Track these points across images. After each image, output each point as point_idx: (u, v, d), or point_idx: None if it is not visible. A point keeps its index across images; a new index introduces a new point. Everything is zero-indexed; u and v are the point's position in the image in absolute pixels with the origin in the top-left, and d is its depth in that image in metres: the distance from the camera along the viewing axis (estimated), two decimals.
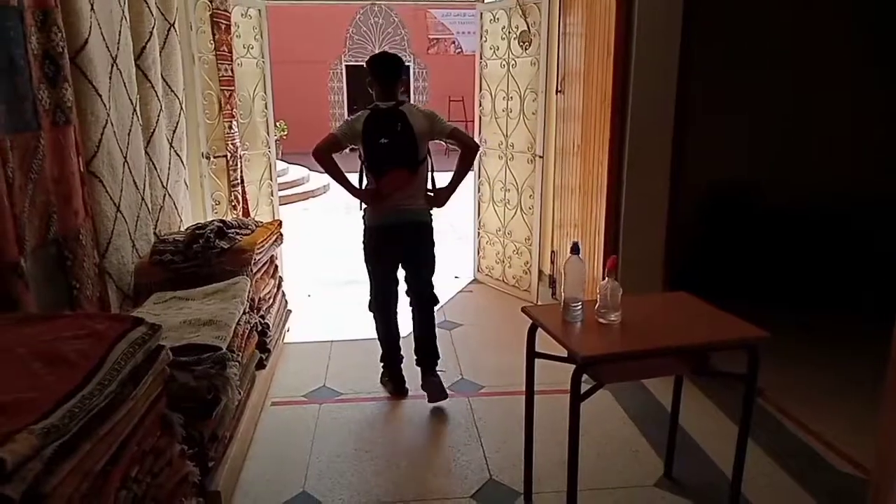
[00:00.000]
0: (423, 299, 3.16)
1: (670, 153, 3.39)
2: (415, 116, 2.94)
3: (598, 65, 3.56)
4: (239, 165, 4.40)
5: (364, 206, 3.08)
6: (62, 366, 1.54)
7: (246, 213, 4.47)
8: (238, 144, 4.38)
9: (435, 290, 3.19)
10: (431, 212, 3.11)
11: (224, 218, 3.69)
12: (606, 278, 2.05)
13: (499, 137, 4.66)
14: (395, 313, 3.25)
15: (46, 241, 2.31)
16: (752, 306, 2.37)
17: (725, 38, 4.03)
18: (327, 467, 2.54)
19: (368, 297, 3.23)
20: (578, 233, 4.03)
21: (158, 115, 3.41)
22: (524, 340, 2.26)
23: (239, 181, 4.42)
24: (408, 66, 15.99)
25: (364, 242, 3.14)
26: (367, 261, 3.16)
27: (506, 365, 3.48)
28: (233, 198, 4.37)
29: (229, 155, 4.31)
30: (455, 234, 7.19)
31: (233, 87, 4.31)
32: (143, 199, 3.16)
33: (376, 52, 3.33)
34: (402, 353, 3.28)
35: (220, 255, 3.07)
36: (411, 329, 3.22)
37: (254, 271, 3.18)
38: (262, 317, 3.20)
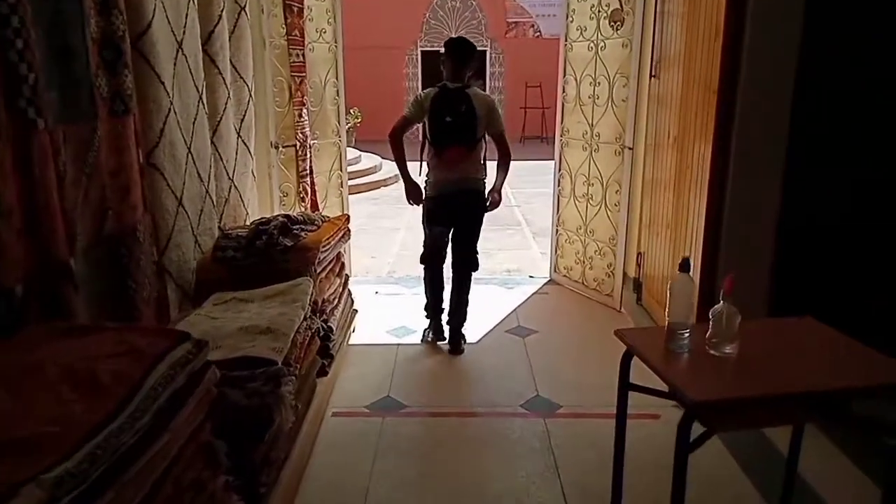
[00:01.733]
0: (464, 262, 3.52)
1: (785, 149, 2.94)
2: (478, 101, 3.30)
3: (701, 48, 3.13)
4: (308, 155, 4.24)
5: (427, 174, 3.50)
6: (93, 391, 1.36)
7: (314, 205, 4.31)
8: (308, 133, 4.22)
9: (478, 256, 3.57)
10: (484, 180, 3.43)
11: (290, 212, 3.52)
12: (721, 301, 1.70)
13: (583, 127, 4.29)
14: (442, 268, 3.64)
15: (100, 238, 2.17)
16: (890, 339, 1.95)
17: (859, 25, 3.37)
18: (388, 497, 2.31)
19: (422, 251, 3.66)
20: (670, 234, 3.63)
21: (226, 103, 3.27)
22: (608, 352, 1.99)
23: (308, 172, 4.26)
24: (483, 52, 15.62)
25: (424, 206, 3.52)
26: (424, 221, 3.57)
27: (587, 381, 3.15)
28: (301, 189, 4.23)
29: (299, 144, 4.15)
30: (530, 228, 6.85)
31: (304, 74, 4.14)
32: (207, 191, 3.03)
33: (452, 36, 3.68)
34: (444, 304, 3.67)
35: (284, 253, 2.90)
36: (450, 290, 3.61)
37: (318, 270, 2.99)
38: (326, 320, 3.01)
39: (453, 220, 3.47)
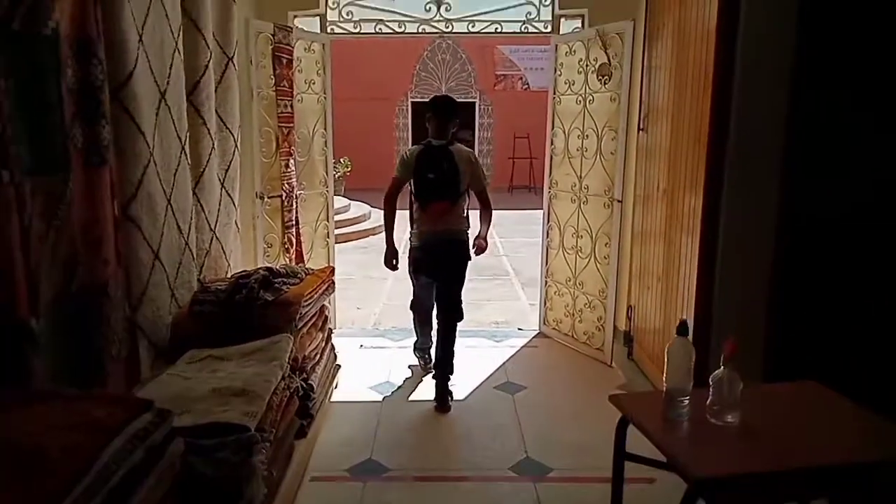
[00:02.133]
0: (449, 311, 3.58)
1: (777, 198, 2.90)
2: (460, 157, 3.47)
3: (689, 100, 3.14)
4: (294, 206, 4.18)
5: (412, 226, 3.62)
6: (38, 470, 1.23)
7: (299, 256, 4.22)
8: (295, 184, 4.16)
9: (462, 306, 3.66)
10: (468, 230, 3.58)
11: (272, 265, 3.43)
12: (722, 366, 1.61)
13: (571, 179, 4.27)
14: (431, 316, 3.76)
15: (68, 294, 2.06)
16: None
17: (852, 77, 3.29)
18: None
19: (411, 299, 3.88)
20: (661, 286, 3.56)
21: (210, 154, 3.21)
22: (600, 411, 1.89)
23: (294, 223, 4.19)
24: (472, 103, 15.88)
25: (409, 256, 3.67)
26: (410, 272, 3.72)
27: (579, 442, 3.02)
28: (286, 240, 4.14)
29: (285, 195, 4.09)
30: (518, 278, 6.77)
31: (292, 124, 4.12)
32: (186, 243, 2.94)
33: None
34: (432, 340, 3.79)
35: (265, 308, 2.79)
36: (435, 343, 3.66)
37: (299, 326, 2.87)
38: (306, 378, 2.88)
39: (438, 269, 3.57)
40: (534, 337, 4.65)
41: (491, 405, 3.47)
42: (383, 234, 3.74)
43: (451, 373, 3.55)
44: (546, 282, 4.63)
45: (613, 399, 1.83)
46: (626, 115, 3.80)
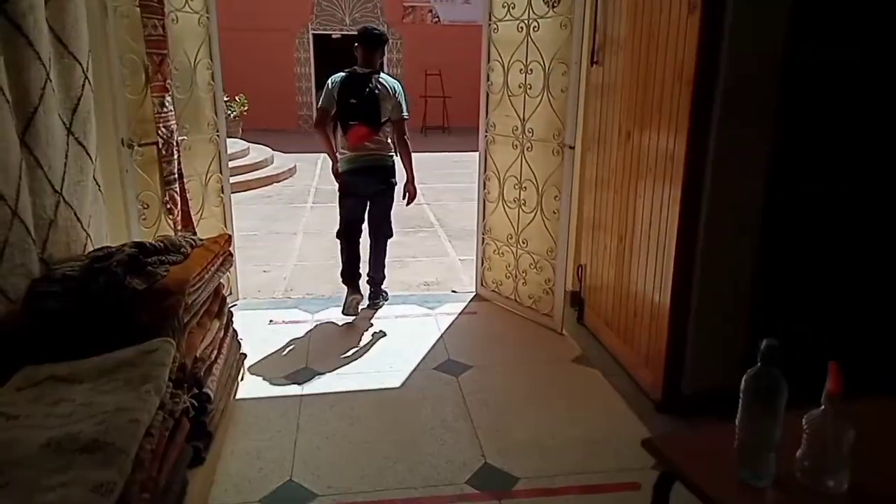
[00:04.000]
0: (378, 232, 3.83)
1: (768, 152, 2.48)
2: (383, 86, 3.55)
3: (668, 27, 2.59)
4: (176, 155, 3.33)
5: (339, 152, 3.72)
6: None
7: (185, 218, 3.42)
8: (174, 127, 3.30)
9: (392, 226, 3.87)
10: (394, 157, 3.69)
11: (151, 235, 2.64)
12: (823, 404, 1.12)
13: (512, 121, 3.68)
14: (358, 243, 3.85)
15: None
16: None
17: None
18: None
19: (337, 227, 3.90)
20: (619, 242, 3.11)
21: (43, 88, 2.32)
22: (559, 393, 1.64)
23: (176, 176, 3.35)
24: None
25: (338, 182, 3.79)
26: (339, 196, 3.82)
27: (541, 438, 2.55)
28: (167, 199, 3.32)
29: (162, 141, 3.24)
30: (444, 230, 6.20)
31: (165, 51, 3.22)
32: (14, 213, 2.11)
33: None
34: (360, 271, 3.88)
35: (134, 301, 2.05)
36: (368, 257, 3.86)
37: (185, 321, 2.16)
38: (199, 385, 2.19)
39: (365, 193, 3.71)
40: (471, 300, 4.13)
41: (434, 393, 2.93)
42: (326, 155, 3.85)
43: (384, 278, 3.92)
44: (483, 238, 4.08)
45: (648, 445, 1.31)
46: (581, 44, 3.22)
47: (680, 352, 2.69)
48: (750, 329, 2.65)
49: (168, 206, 3.32)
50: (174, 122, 3.31)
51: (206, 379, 2.28)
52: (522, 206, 3.72)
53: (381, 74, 3.60)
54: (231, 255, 2.76)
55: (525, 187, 3.68)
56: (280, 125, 14.36)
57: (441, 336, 3.55)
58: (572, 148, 3.35)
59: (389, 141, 3.66)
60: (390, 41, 14.89)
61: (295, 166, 9.53)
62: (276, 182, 8.71)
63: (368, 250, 3.86)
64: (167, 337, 1.99)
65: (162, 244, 2.37)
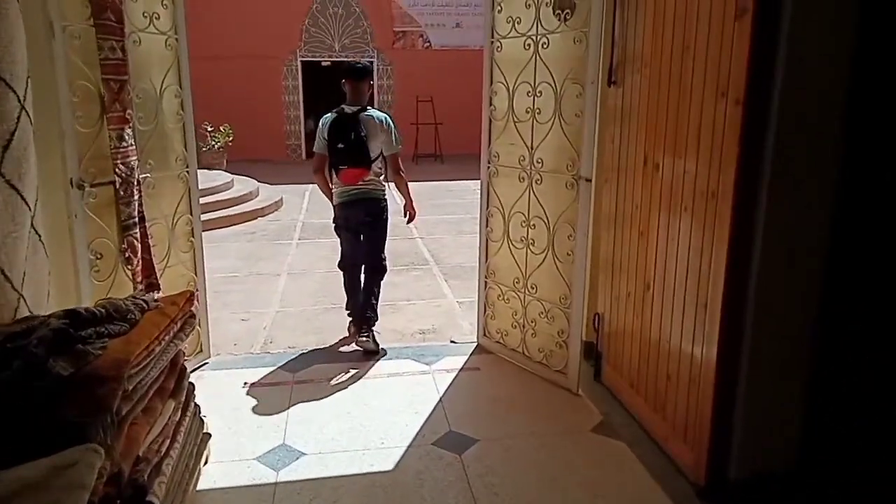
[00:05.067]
0: (371, 268, 3.79)
1: (833, 181, 2.09)
2: (369, 125, 3.56)
3: (704, 35, 2.22)
4: (136, 196, 2.91)
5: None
6: None
7: (147, 269, 2.98)
8: (134, 164, 2.89)
9: (385, 262, 3.84)
10: (384, 192, 3.74)
11: (80, 307, 2.18)
12: None
13: (519, 150, 3.29)
14: (358, 274, 3.87)
15: None
16: None
17: None
18: None
19: (339, 259, 3.96)
20: (646, 289, 2.70)
21: None
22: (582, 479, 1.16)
23: (136, 220, 2.92)
24: (370, 63, 14.53)
25: (333, 216, 3.82)
26: (335, 230, 3.86)
27: None
28: (125, 246, 2.88)
29: (119, 181, 2.82)
30: (439, 267, 5.78)
31: (125, 76, 2.82)
32: None
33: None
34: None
35: (56, 392, 1.60)
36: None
37: (124, 413, 1.71)
38: (142, 493, 1.74)
39: (356, 227, 3.75)
40: (472, 353, 3.68)
41: (433, 478, 2.47)
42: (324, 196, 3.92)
43: (375, 311, 3.77)
44: (486, 283, 3.66)
45: None
46: (597, 60, 2.84)
47: (726, 426, 2.27)
48: (808, 399, 2.23)
49: (126, 255, 2.89)
50: (135, 157, 2.89)
51: (153, 481, 1.82)
52: (531, 247, 3.31)
53: (370, 110, 3.62)
54: (192, 317, 2.31)
55: (534, 225, 3.27)
56: (267, 155, 13.99)
57: (440, 400, 3.10)
58: (589, 181, 2.96)
59: (381, 175, 3.73)
60: (381, 67, 14.81)
61: (281, 199, 9.12)
62: (261, 216, 8.27)
63: (363, 285, 3.83)
64: (96, 438, 1.54)
65: (102, 310, 1.92)
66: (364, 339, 3.65)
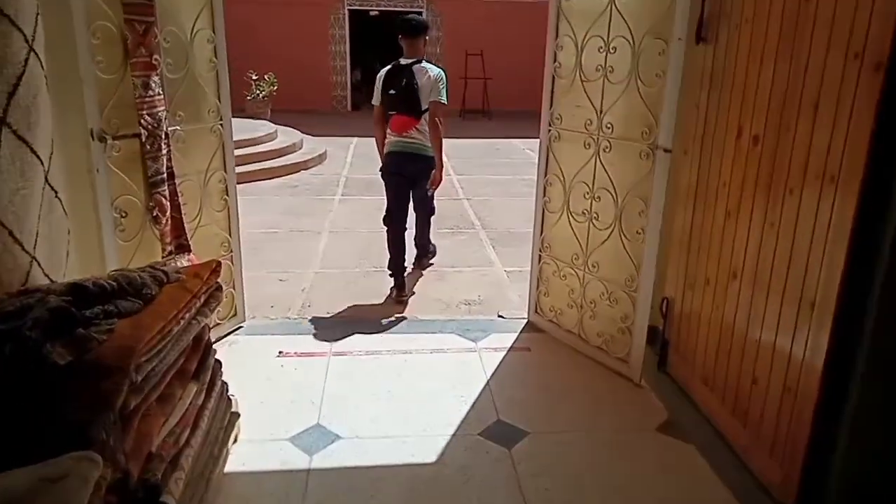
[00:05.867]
0: (418, 207, 4.02)
1: None
2: (421, 75, 3.65)
3: None
4: (164, 150, 2.67)
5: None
6: None
7: (177, 229, 2.77)
8: (162, 115, 2.64)
9: (433, 203, 4.12)
10: (429, 146, 3.73)
11: (89, 279, 1.95)
12: None
13: (586, 113, 2.92)
14: (403, 230, 3.91)
15: None
16: None
17: None
18: None
19: (384, 214, 3.95)
20: (738, 285, 2.35)
21: None
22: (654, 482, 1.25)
23: (164, 176, 2.69)
24: (418, 13, 13.98)
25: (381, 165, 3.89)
26: (382, 177, 3.91)
27: None
28: (153, 204, 2.66)
29: (145, 133, 2.58)
30: (486, 232, 5.46)
31: (152, 18, 2.55)
32: None
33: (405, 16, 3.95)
34: (405, 262, 3.93)
35: (56, 382, 1.39)
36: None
37: (132, 406, 1.49)
38: (155, 494, 1.53)
39: (403, 172, 3.81)
40: (522, 331, 3.40)
41: (481, 474, 2.23)
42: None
43: (428, 250, 4.33)
44: (540, 256, 3.34)
45: None
46: (686, 12, 2.43)
47: (828, 445, 1.93)
48: None
49: (154, 214, 2.67)
50: (163, 108, 2.65)
51: (169, 479, 1.62)
52: (594, 221, 2.96)
53: (424, 63, 3.71)
54: (220, 289, 2.08)
55: (599, 197, 2.92)
56: (312, 106, 13.73)
57: (487, 382, 2.84)
58: (668, 152, 2.58)
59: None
60: (430, 18, 14.22)
61: (325, 152, 8.88)
62: (304, 169, 8.06)
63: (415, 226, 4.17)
64: (98, 439, 1.32)
65: (114, 283, 1.70)
66: (423, 264, 4.23)
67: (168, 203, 2.72)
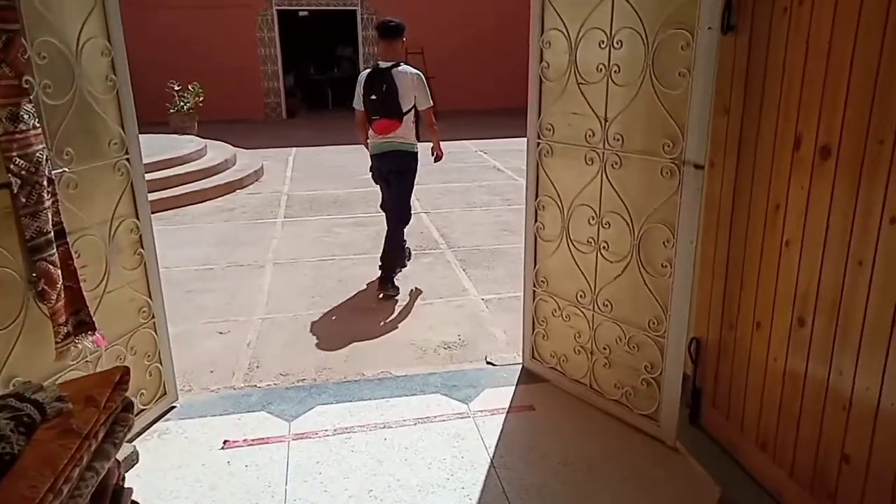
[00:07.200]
0: (392, 213, 4.02)
1: None
2: (401, 79, 3.71)
3: None
4: (46, 202, 1.99)
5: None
6: None
7: (72, 303, 2.09)
8: (41, 155, 1.96)
9: (410, 212, 4.06)
10: (414, 145, 3.88)
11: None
12: None
13: (585, 122, 2.40)
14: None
15: None
16: None
17: None
18: None
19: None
20: (809, 333, 1.89)
21: None
22: None
23: (50, 237, 2.01)
24: (352, 12, 13.28)
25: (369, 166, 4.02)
26: (372, 179, 4.08)
27: None
28: (35, 275, 1.98)
29: (18, 182, 1.90)
30: (453, 252, 4.89)
31: (15, 25, 1.88)
32: None
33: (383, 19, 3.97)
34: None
35: None
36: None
37: None
38: None
39: (387, 176, 3.92)
40: (519, 381, 2.87)
41: None
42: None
43: (396, 266, 4.01)
44: (535, 293, 2.82)
45: None
46: None
47: None
48: None
49: (40, 288, 1.99)
50: (41, 146, 1.97)
51: None
52: (603, 252, 2.45)
53: (402, 66, 3.75)
54: (129, 408, 1.45)
55: (607, 223, 2.41)
56: (243, 115, 12.83)
57: (491, 463, 2.29)
58: (700, 167, 2.08)
59: (413, 129, 3.85)
60: (365, 17, 13.53)
61: (262, 167, 8.12)
62: (240, 188, 7.28)
63: (385, 235, 4.03)
64: None
65: None
66: (387, 292, 3.94)
67: (59, 271, 2.04)
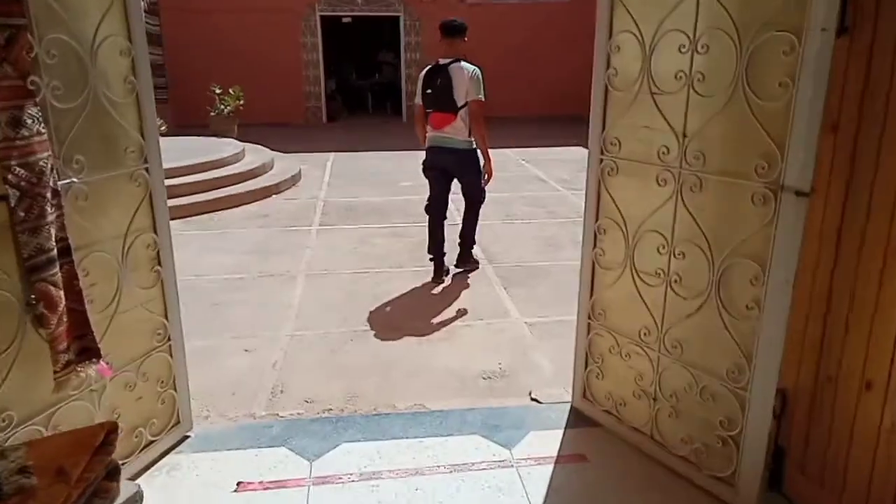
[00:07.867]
0: (467, 197, 4.26)
1: None
2: (456, 73, 3.89)
3: None
4: (48, 216, 1.78)
5: None
6: None
7: (76, 328, 1.87)
8: (46, 164, 1.75)
9: (483, 194, 4.26)
10: (471, 143, 4.02)
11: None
12: None
13: (659, 138, 2.09)
14: (442, 219, 4.23)
15: None
16: None
17: None
18: None
19: (426, 203, 4.27)
20: None
21: None
22: None
23: (52, 255, 1.80)
24: (395, 18, 13.12)
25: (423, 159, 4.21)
26: (423, 172, 4.26)
27: None
28: (33, 298, 1.77)
29: (15, 195, 1.69)
30: (495, 270, 4.59)
31: (21, 20, 1.67)
32: None
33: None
34: (444, 249, 4.28)
35: None
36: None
37: None
38: None
39: (444, 170, 4.12)
40: (568, 424, 2.56)
41: None
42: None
43: (472, 244, 4.36)
44: (589, 325, 2.50)
45: None
46: None
47: None
48: None
49: (38, 312, 1.78)
50: (47, 153, 1.76)
51: None
52: (674, 286, 2.13)
53: (462, 63, 3.90)
54: (114, 473, 1.20)
55: (682, 254, 2.09)
56: (283, 119, 12.78)
57: None
58: (804, 195, 1.75)
59: (467, 126, 3.94)
60: (408, 23, 13.35)
61: (300, 171, 7.96)
62: (276, 193, 7.13)
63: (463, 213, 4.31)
64: None
65: None
66: (466, 266, 4.35)
67: (61, 293, 1.83)
